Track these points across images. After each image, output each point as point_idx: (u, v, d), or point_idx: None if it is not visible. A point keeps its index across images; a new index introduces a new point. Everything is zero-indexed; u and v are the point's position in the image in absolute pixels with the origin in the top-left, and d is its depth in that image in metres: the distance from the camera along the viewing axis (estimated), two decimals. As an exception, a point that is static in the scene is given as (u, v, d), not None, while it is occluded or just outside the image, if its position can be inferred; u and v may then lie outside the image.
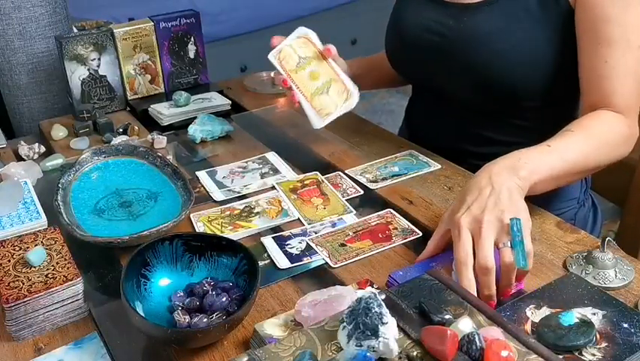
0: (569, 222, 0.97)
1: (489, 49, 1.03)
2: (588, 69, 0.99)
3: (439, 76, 1.13)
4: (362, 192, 1.07)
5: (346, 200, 1.05)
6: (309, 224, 0.98)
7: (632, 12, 0.95)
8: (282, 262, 0.90)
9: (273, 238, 0.95)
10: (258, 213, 1.01)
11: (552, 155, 0.90)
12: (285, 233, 0.96)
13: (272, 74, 1.60)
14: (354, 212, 1.01)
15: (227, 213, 1.02)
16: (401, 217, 0.99)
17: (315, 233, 0.96)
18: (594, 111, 0.99)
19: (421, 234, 0.95)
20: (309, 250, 0.92)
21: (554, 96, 1.09)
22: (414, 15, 1.15)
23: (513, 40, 1.02)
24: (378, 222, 0.99)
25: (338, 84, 1.16)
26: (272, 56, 1.14)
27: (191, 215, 1.01)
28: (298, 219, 1.00)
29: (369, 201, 1.05)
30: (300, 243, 0.94)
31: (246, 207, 1.03)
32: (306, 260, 0.90)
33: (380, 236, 0.95)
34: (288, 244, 0.94)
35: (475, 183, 0.84)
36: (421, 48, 1.13)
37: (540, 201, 1.04)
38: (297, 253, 0.92)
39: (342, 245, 0.93)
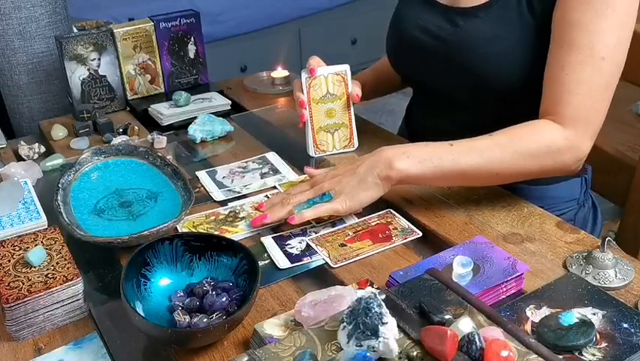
0: (569, 222, 0.97)
1: (484, 52, 1.04)
2: (546, 72, 0.97)
3: (436, 77, 1.14)
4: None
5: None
6: (316, 222, 0.99)
7: (604, 21, 0.91)
8: (282, 262, 0.90)
9: (272, 238, 0.95)
10: (243, 218, 1.01)
11: (445, 155, 0.94)
12: (285, 233, 0.96)
13: (272, 74, 1.60)
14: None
15: (212, 218, 1.01)
16: (401, 217, 0.99)
17: (315, 233, 0.96)
18: (532, 121, 0.97)
19: (421, 234, 0.95)
20: (309, 250, 0.92)
21: None
22: (413, 16, 1.15)
23: (507, 44, 1.02)
24: (378, 222, 0.99)
25: (346, 131, 1.21)
26: (304, 78, 1.16)
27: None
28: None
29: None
30: (300, 243, 0.94)
31: (230, 212, 1.03)
32: (306, 260, 0.90)
33: (380, 236, 0.95)
34: (288, 244, 0.94)
35: (358, 159, 0.99)
36: (418, 49, 1.14)
37: (539, 202, 1.04)
38: (297, 253, 0.92)
39: (342, 245, 0.93)
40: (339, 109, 1.18)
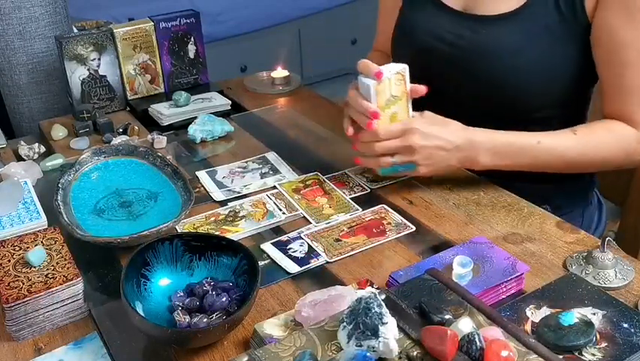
0: (577, 219, 0.98)
1: (506, 63, 1.03)
2: (607, 86, 1.02)
3: (449, 85, 1.11)
4: (369, 190, 1.08)
5: (352, 198, 1.05)
6: (317, 223, 0.99)
7: None
8: (292, 268, 0.89)
9: (271, 243, 0.94)
10: (243, 216, 1.01)
11: (528, 152, 0.99)
12: (283, 238, 0.96)
13: (272, 74, 1.60)
14: (360, 210, 1.01)
15: (212, 219, 1.01)
16: (394, 213, 1.00)
17: (309, 230, 0.96)
18: (607, 119, 1.03)
19: (414, 228, 0.96)
20: (313, 252, 0.92)
21: (566, 104, 1.10)
22: (425, 23, 1.12)
23: (531, 56, 1.02)
24: (372, 217, 0.99)
25: None
26: (372, 85, 1.00)
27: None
28: (302, 218, 1.01)
29: (370, 200, 1.05)
30: (302, 245, 0.94)
31: (230, 211, 1.03)
32: (313, 262, 0.90)
33: (374, 231, 0.96)
34: (289, 248, 0.93)
35: (451, 131, 0.99)
36: (432, 57, 1.11)
37: (547, 201, 1.04)
38: (302, 255, 0.91)
39: (337, 240, 0.94)
40: (400, 111, 1.03)
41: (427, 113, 1.00)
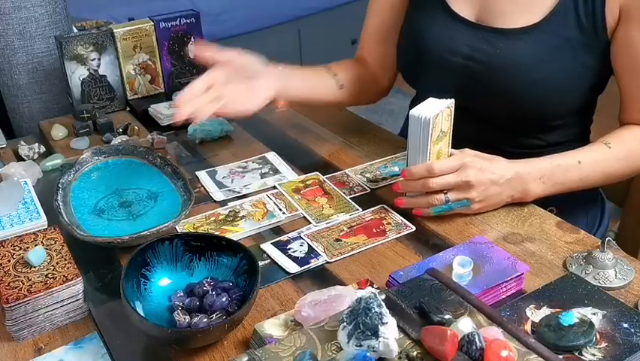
0: (582, 218, 0.98)
1: (526, 77, 1.02)
2: (629, 96, 1.04)
3: (463, 97, 1.05)
4: (369, 190, 1.08)
5: (352, 198, 1.05)
6: (317, 223, 0.99)
7: None
8: (292, 268, 0.89)
9: (272, 243, 0.94)
10: (243, 216, 1.01)
11: (574, 175, 0.99)
12: (283, 238, 0.96)
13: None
14: (360, 210, 1.01)
15: (212, 219, 1.01)
16: (394, 212, 1.00)
17: (309, 230, 0.97)
18: (632, 126, 1.04)
19: (414, 228, 0.96)
20: (313, 252, 0.92)
21: (580, 111, 1.10)
22: (438, 35, 1.09)
23: (552, 69, 1.01)
24: (372, 217, 0.99)
25: None
26: (432, 118, 0.91)
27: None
28: (302, 218, 1.01)
29: (370, 200, 1.05)
30: (302, 245, 0.94)
31: (230, 211, 1.03)
32: (313, 262, 0.90)
33: (374, 231, 0.96)
34: (289, 248, 0.93)
35: (501, 166, 0.96)
36: (446, 71, 1.09)
37: (556, 199, 1.04)
38: (302, 255, 0.91)
39: (338, 240, 0.94)
40: (444, 148, 0.98)
41: (469, 151, 0.97)
